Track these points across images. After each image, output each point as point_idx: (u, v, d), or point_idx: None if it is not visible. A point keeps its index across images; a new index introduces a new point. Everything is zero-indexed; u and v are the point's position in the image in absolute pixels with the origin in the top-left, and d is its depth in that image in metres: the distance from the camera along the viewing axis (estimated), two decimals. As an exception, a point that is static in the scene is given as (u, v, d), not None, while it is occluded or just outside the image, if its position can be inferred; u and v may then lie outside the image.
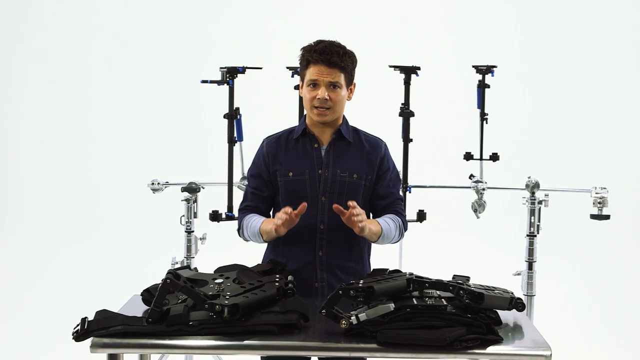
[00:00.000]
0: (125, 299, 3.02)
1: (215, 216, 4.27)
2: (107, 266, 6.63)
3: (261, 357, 3.26)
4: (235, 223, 4.28)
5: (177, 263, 4.26)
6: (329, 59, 3.07)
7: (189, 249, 4.34)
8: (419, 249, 5.14)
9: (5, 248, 6.91)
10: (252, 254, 3.52)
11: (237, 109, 4.26)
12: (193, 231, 4.34)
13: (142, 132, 7.02)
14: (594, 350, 5.48)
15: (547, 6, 7.01)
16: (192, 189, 4.32)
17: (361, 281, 2.64)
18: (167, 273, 2.57)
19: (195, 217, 4.35)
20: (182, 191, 4.33)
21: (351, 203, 2.96)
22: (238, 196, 4.34)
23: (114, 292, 4.57)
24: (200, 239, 4.38)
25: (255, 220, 3.19)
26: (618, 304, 6.28)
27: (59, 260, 6.73)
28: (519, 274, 4.33)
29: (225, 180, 4.34)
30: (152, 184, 4.41)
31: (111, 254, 6.74)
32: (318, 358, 3.25)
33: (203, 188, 4.35)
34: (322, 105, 3.11)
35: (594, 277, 6.58)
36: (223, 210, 4.30)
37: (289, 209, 2.97)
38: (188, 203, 4.32)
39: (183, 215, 4.33)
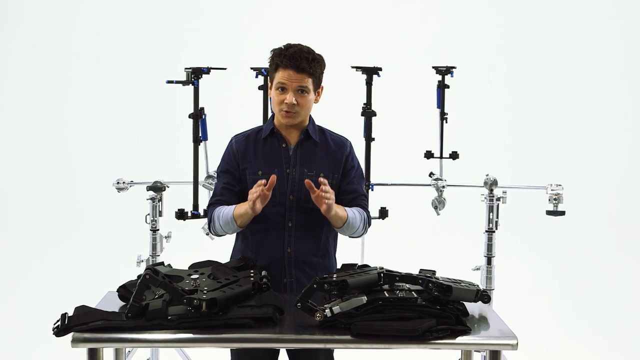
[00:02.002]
0: (94, 297, 3.04)
1: (181, 214, 4.30)
2: (74, 265, 6.60)
3: (231, 350, 3.32)
4: (200, 221, 4.37)
5: (142, 261, 4.28)
6: (298, 65, 3.12)
7: (154, 247, 4.35)
8: (381, 245, 5.23)
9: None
10: (220, 252, 3.56)
11: (202, 108, 4.29)
12: (158, 229, 4.36)
13: (107, 132, 6.97)
14: (552, 341, 5.67)
15: (506, 8, 7.13)
16: (157, 188, 4.33)
17: (334, 275, 2.73)
18: (146, 269, 2.63)
19: (160, 215, 4.35)
20: (147, 190, 4.33)
21: (322, 180, 3.04)
22: (203, 195, 4.40)
23: (81, 290, 4.61)
24: (165, 237, 4.40)
25: (226, 209, 3.24)
26: (575, 296, 6.48)
27: (22, 260, 6.68)
28: (478, 269, 4.39)
29: (190, 179, 4.38)
30: (117, 183, 4.41)
31: (77, 252, 6.70)
32: (287, 350, 3.34)
33: (168, 187, 4.37)
34: (290, 109, 3.17)
35: (550, 271, 6.77)
36: (189, 208, 4.35)
37: (261, 181, 3.03)
38: (153, 202, 4.33)
39: (148, 214, 4.34)
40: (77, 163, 6.97)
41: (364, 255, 4.50)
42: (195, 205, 4.35)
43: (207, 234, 4.26)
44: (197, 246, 4.66)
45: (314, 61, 3.17)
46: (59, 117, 7.02)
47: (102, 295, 3.05)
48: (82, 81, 7.01)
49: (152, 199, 4.33)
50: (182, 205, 4.33)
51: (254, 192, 3.03)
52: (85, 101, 7.02)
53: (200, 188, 4.39)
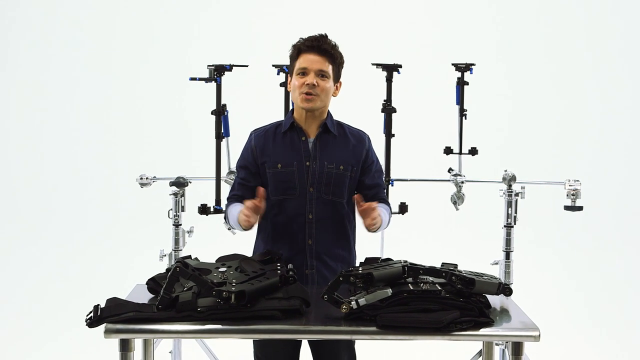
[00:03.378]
0: (119, 290, 3.10)
1: (204, 209, 4.35)
2: (98, 259, 6.67)
3: (253, 341, 3.38)
4: (222, 217, 4.42)
5: (165, 255, 4.35)
6: (320, 46, 3.23)
7: (176, 241, 4.42)
8: (401, 239, 5.26)
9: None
10: (241, 246, 3.60)
11: (224, 105, 4.35)
12: (181, 224, 4.42)
13: (131, 128, 6.98)
14: (570, 335, 5.73)
15: (525, 5, 7.11)
16: (179, 184, 4.39)
17: (360, 268, 2.78)
18: (176, 262, 2.69)
19: (182, 210, 4.42)
20: (170, 185, 4.40)
21: (374, 204, 3.12)
22: (225, 190, 4.45)
23: (108, 283, 4.67)
24: (188, 232, 4.46)
25: (235, 209, 3.29)
26: (592, 291, 6.52)
27: (50, 255, 6.73)
28: (496, 264, 4.43)
29: (212, 174, 4.43)
30: (141, 178, 4.47)
31: (102, 247, 6.76)
32: (309, 341, 3.39)
33: (190, 182, 4.44)
34: (310, 91, 3.23)
35: (568, 266, 6.78)
36: (211, 204, 4.40)
37: (249, 203, 3.11)
38: (176, 197, 4.39)
39: (171, 209, 4.41)
40: (101, 159, 7.01)
41: (383, 249, 4.54)
42: (218, 201, 4.40)
43: (229, 229, 4.32)
44: (219, 241, 4.71)
45: (334, 47, 3.28)
46: (84, 114, 7.03)
47: (127, 288, 3.11)
48: (104, 78, 7.04)
49: (175, 194, 4.40)
50: (204, 200, 4.38)
51: (246, 213, 3.11)
52: (109, 97, 7.05)
53: (223, 183, 4.44)
